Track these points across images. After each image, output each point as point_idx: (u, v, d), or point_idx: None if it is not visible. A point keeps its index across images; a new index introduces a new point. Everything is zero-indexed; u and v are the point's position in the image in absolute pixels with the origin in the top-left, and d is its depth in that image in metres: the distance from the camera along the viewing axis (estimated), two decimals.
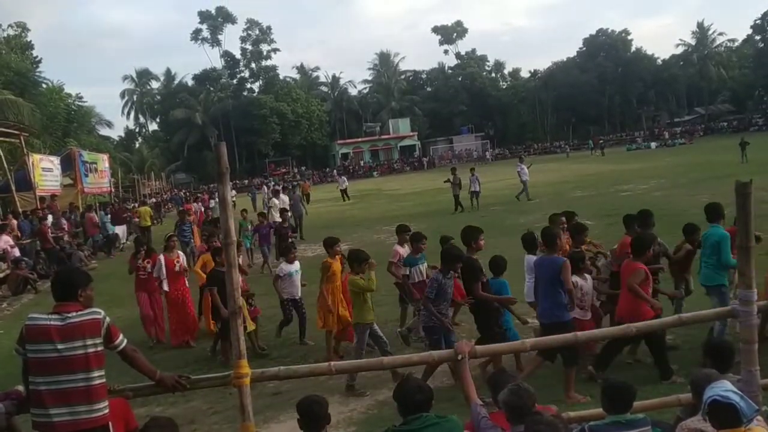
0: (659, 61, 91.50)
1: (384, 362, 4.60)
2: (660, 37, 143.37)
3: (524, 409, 3.63)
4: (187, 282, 10.98)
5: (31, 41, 51.59)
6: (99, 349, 3.91)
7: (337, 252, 9.10)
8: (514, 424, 3.66)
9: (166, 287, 10.59)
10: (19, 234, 19.88)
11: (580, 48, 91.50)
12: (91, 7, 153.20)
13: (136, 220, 26.98)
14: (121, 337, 4.07)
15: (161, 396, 7.41)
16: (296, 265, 9.84)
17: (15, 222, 20.33)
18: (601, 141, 69.78)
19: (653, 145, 66.74)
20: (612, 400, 3.89)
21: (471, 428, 3.97)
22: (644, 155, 53.06)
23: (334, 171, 71.83)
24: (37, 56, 50.55)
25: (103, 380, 3.94)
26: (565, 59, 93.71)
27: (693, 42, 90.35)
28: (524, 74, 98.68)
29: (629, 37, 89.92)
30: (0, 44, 47.42)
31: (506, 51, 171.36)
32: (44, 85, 46.01)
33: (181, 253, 11.53)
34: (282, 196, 24.32)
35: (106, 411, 3.91)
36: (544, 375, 7.02)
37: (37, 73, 45.72)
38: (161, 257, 10.69)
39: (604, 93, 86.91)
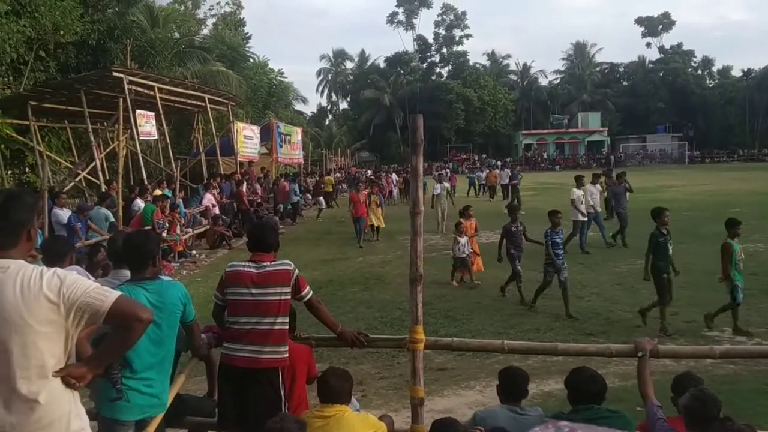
0: None
1: (558, 348, 4.52)
2: None
3: (707, 417, 3.39)
4: None
5: (243, 18, 55.30)
6: (287, 297, 4.24)
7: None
8: (694, 431, 3.46)
9: None
10: (221, 194, 21.75)
11: None
12: None
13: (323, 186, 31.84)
14: (308, 288, 4.37)
15: (335, 358, 7.93)
16: None
17: (218, 183, 22.24)
18: None
19: None
20: None
21: (644, 429, 3.81)
22: None
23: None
24: (247, 32, 53.70)
25: (286, 327, 4.26)
26: None
27: None
28: (735, 73, 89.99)
29: None
30: (218, 20, 51.80)
31: (717, 47, 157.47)
32: (251, 60, 48.74)
33: None
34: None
35: (286, 355, 4.23)
36: (732, 391, 6.54)
37: (247, 48, 48.85)
38: None
39: None
